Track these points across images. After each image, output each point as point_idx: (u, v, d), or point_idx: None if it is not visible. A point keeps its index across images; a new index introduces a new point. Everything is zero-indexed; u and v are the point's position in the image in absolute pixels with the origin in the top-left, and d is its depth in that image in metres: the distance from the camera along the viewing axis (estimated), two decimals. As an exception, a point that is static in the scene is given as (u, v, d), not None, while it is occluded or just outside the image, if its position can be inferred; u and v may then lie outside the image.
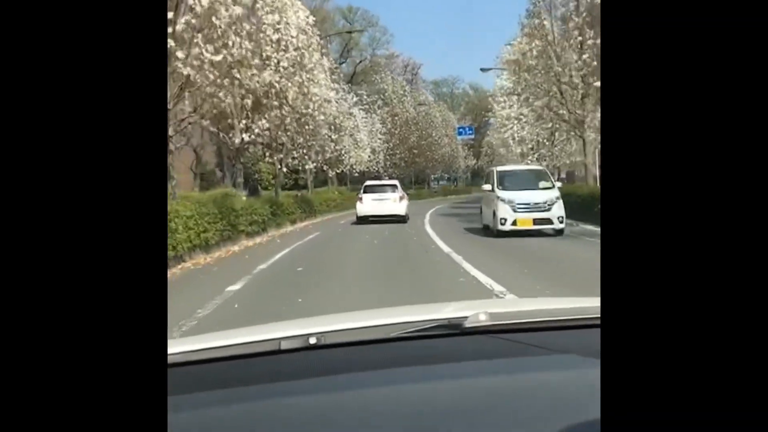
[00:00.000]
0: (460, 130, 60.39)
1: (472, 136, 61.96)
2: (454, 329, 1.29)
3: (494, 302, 1.81)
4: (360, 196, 21.08)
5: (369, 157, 35.68)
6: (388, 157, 43.67)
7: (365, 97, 37.06)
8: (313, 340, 1.23)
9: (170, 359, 1.07)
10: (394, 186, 21.51)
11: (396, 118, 47.25)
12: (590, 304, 1.19)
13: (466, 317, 1.28)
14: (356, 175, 39.27)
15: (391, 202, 20.38)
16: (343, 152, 31.19)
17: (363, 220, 20.41)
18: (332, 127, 27.06)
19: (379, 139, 39.89)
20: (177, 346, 1.22)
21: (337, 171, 32.31)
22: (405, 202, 21.03)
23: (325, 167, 30.32)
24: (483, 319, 1.27)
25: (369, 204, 20.46)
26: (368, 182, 22.51)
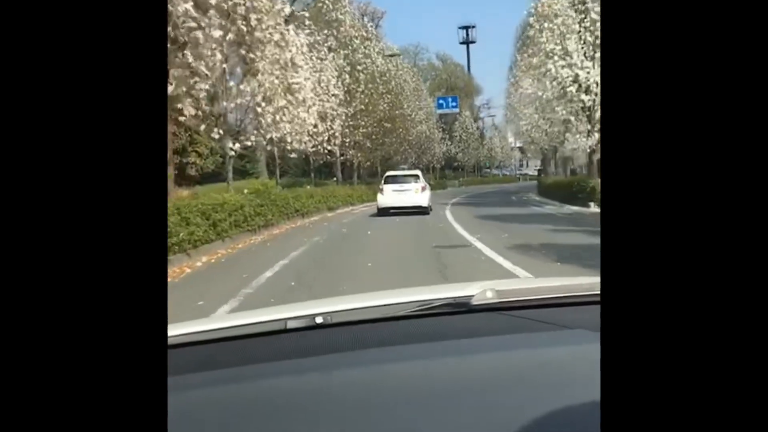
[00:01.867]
0: (441, 101, 44.51)
1: (457, 110, 46.51)
2: (461, 307, 1.30)
3: (501, 281, 1.47)
4: (381, 187, 19.88)
5: (316, 126, 18.94)
6: (347, 130, 26.67)
7: (308, 22, 20.15)
8: (319, 320, 1.24)
9: (177, 340, 1.15)
10: (416, 176, 20.43)
11: (358, 70, 28.74)
12: (597, 280, 0.97)
13: (472, 295, 1.28)
14: (293, 156, 22.32)
15: (413, 193, 19.31)
16: (264, 107, 14.24)
17: (384, 212, 18.97)
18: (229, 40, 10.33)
19: (333, 97, 22.94)
20: (183, 328, 1.22)
21: (248, 145, 15.19)
22: (427, 192, 19.87)
23: (215, 133, 13.35)
24: (490, 296, 1.28)
25: (390, 195, 19.25)
26: (389, 173, 21.54)
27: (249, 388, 0.98)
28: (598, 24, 13.11)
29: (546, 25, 20.23)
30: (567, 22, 19.68)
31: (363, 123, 28.55)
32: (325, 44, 23.72)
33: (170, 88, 8.69)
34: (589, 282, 1.32)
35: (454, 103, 42.95)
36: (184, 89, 9.27)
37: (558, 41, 19.71)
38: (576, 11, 19.84)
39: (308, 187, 21.99)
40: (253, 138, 14.77)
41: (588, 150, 22.07)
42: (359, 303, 1.38)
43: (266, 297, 6.40)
